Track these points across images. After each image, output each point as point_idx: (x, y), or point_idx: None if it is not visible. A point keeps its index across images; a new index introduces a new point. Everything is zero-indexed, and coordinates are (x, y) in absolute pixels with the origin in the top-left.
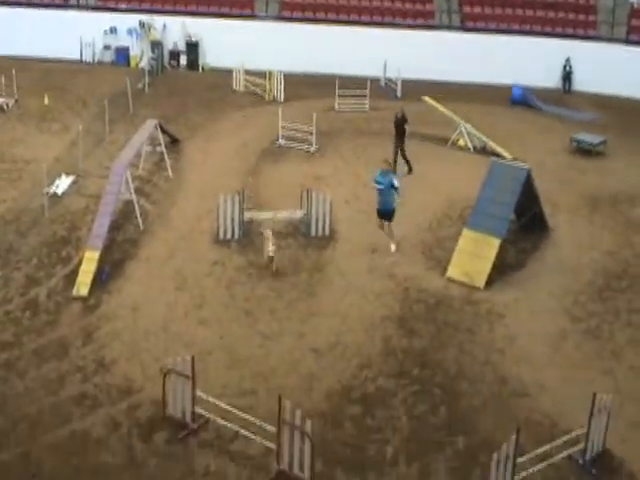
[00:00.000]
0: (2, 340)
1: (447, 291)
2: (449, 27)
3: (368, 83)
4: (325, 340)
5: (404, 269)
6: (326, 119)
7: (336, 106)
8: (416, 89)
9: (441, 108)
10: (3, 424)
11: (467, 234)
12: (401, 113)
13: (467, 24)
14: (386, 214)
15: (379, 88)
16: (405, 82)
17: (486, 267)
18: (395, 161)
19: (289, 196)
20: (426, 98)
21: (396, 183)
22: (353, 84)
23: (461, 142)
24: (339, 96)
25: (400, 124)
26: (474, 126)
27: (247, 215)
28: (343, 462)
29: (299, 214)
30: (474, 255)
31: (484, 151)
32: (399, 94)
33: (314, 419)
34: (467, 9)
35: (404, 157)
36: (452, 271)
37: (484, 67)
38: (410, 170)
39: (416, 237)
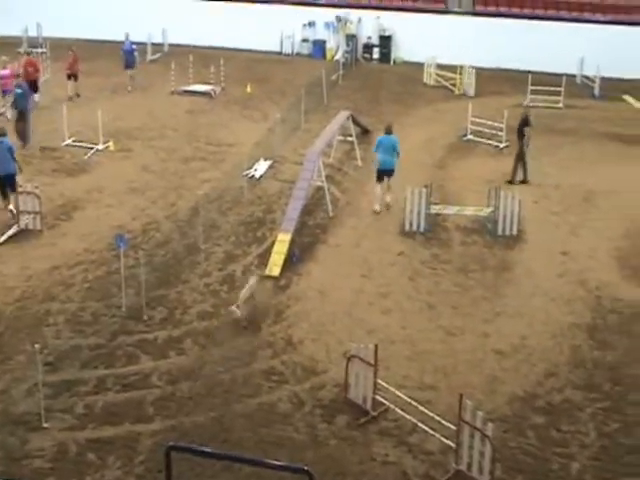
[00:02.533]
0: (203, 310)
1: None
2: None
3: (563, 80)
4: (509, 342)
5: (597, 275)
6: (517, 115)
7: (525, 102)
8: (617, 88)
9: None
10: (200, 388)
11: None
12: (525, 115)
13: None
14: (386, 172)
15: (575, 86)
16: (604, 80)
17: None
18: (515, 168)
19: (476, 192)
20: (628, 97)
21: (398, 147)
22: (547, 81)
23: None
24: (531, 92)
25: (521, 127)
26: None
27: (433, 209)
28: (524, 471)
29: (486, 211)
30: None
31: None
32: (597, 92)
33: (495, 422)
34: None
35: (519, 161)
36: None
37: None
38: (525, 178)
39: (611, 244)
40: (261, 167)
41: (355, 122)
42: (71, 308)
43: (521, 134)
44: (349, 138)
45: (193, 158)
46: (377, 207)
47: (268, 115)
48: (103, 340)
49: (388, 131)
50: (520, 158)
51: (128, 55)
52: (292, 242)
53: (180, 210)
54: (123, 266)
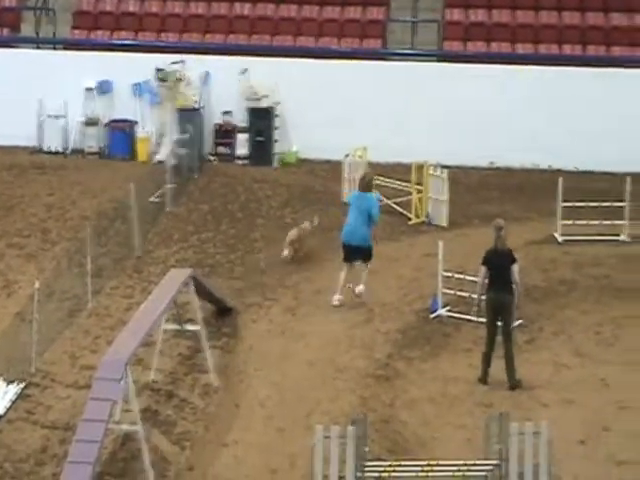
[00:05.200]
0: None
1: None
2: None
3: (626, 185)
4: None
5: None
6: (541, 262)
7: (557, 234)
8: None
9: None
10: None
11: None
12: (499, 239)
13: None
14: (353, 249)
15: None
16: None
17: None
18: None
19: (457, 427)
20: None
21: (375, 210)
22: (599, 187)
23: None
24: (565, 212)
25: (501, 267)
26: None
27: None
28: None
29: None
30: None
31: None
32: None
33: None
34: None
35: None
36: None
37: None
38: (513, 379)
39: None
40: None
41: (202, 292)
42: None
43: (503, 284)
44: (190, 327)
45: None
46: (335, 300)
47: (16, 284)
48: None
49: (364, 186)
50: (508, 338)
51: None
52: None
53: None
54: None
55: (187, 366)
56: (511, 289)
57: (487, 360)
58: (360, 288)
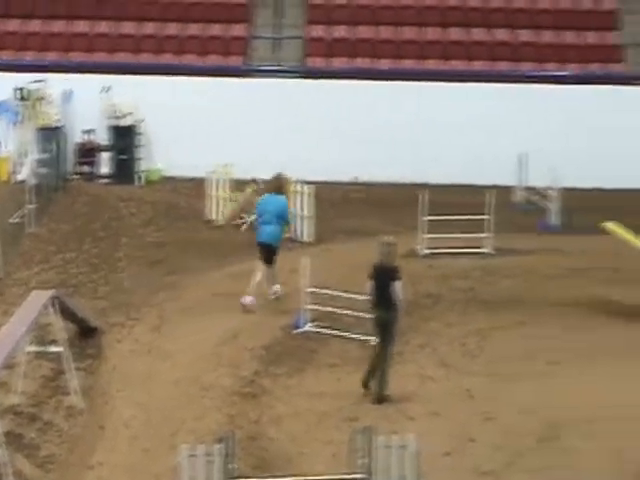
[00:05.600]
0: None
1: None
2: None
3: (487, 199)
4: None
5: None
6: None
7: (420, 248)
8: (589, 207)
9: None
10: None
11: None
12: (386, 255)
13: None
14: (266, 247)
15: (513, 208)
16: (567, 193)
17: None
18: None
19: (326, 443)
20: (611, 226)
21: (287, 211)
22: (457, 200)
23: None
24: (428, 227)
25: (382, 284)
26: None
27: None
28: None
29: None
30: None
31: None
32: (554, 219)
33: None
34: None
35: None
36: None
37: None
38: (382, 391)
39: None
40: None
41: (66, 312)
42: None
43: (385, 300)
44: (54, 348)
45: None
46: (247, 299)
47: None
48: None
49: (275, 187)
50: (384, 353)
51: None
52: None
53: None
54: None
55: (51, 388)
56: (392, 306)
57: (371, 370)
58: (277, 287)
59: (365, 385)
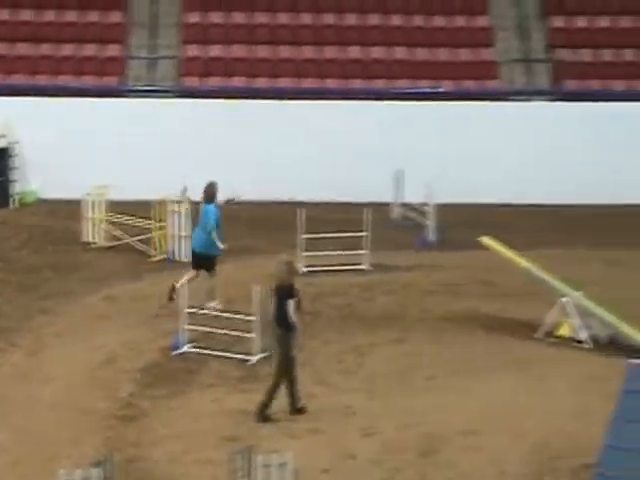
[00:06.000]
0: None
1: None
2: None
3: (365, 215)
4: None
5: None
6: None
7: (299, 266)
8: (467, 222)
9: (517, 259)
10: None
11: None
12: (286, 273)
13: None
14: (195, 256)
15: (390, 224)
16: (443, 209)
17: None
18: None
19: (207, 463)
20: (487, 240)
21: (212, 219)
22: (341, 218)
23: (564, 329)
24: (307, 244)
25: (280, 301)
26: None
27: None
28: None
29: None
30: None
31: (613, 344)
32: (431, 235)
33: None
34: None
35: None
36: None
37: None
38: (294, 403)
39: None
40: None
41: None
42: None
43: (282, 318)
44: None
45: None
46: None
47: None
48: None
49: (205, 197)
50: (285, 370)
51: None
52: None
53: None
54: None
55: None
56: (286, 324)
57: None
58: (214, 304)
59: (262, 412)
